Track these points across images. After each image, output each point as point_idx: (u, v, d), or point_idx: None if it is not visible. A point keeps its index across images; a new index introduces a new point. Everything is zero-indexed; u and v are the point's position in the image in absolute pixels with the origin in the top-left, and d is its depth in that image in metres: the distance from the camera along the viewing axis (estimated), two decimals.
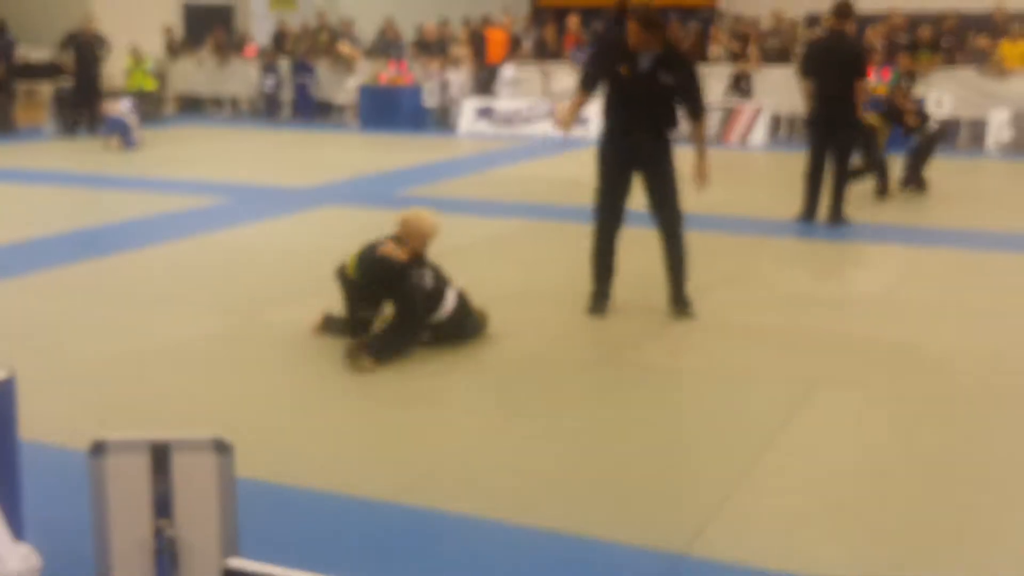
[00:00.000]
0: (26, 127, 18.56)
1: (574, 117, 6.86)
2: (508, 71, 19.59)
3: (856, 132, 10.12)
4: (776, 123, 17.94)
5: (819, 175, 9.99)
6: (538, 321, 6.76)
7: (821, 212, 10.07)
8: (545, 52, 20.07)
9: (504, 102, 19.23)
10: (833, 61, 9.75)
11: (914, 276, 8.24)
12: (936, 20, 18.08)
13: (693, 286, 7.04)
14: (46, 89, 20.76)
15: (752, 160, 14.32)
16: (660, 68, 6.52)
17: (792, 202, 11.34)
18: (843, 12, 9.96)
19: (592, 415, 5.17)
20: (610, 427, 5.00)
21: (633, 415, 5.20)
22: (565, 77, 19.57)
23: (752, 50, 18.23)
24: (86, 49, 17.39)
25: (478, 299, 6.26)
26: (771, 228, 10.02)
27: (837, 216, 9.99)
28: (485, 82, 19.76)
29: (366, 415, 5.17)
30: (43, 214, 10.50)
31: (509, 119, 18.91)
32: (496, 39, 20.08)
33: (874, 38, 17.62)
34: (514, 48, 20.33)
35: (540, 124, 18.63)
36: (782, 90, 16.84)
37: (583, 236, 9.22)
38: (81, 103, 17.33)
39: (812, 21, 20.15)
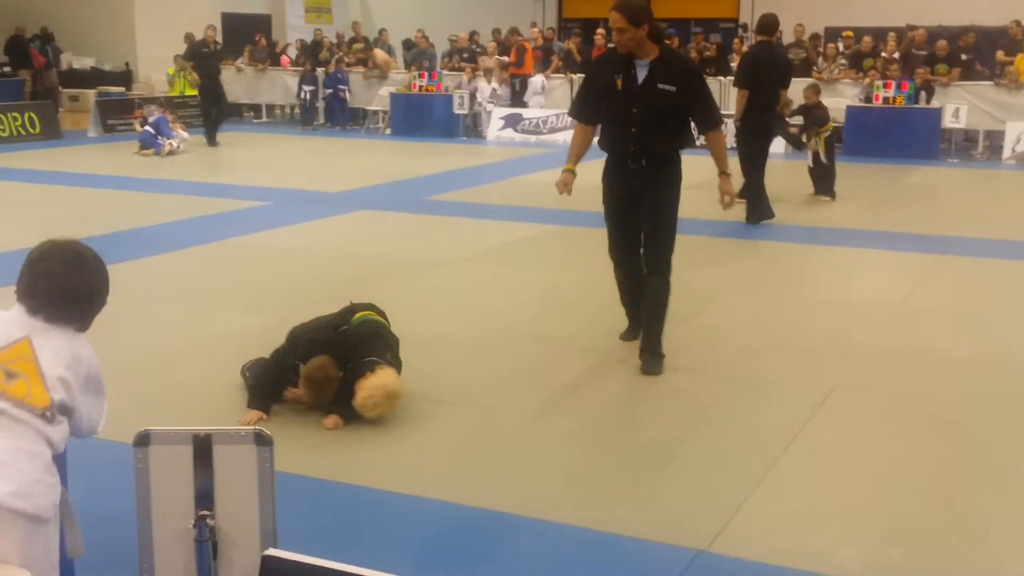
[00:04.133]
0: (71, 131, 19.13)
1: (579, 159, 5.98)
2: (538, 81, 20.03)
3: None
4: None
5: (762, 179, 10.71)
6: (566, 324, 6.88)
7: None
8: (572, 63, 20.50)
9: (532, 111, 19.68)
10: (769, 73, 10.52)
11: (930, 283, 8.30)
12: (954, 34, 18.36)
13: (708, 290, 7.00)
14: (90, 95, 21.43)
15: (771, 168, 14.56)
16: (658, 75, 5.66)
17: (810, 208, 11.74)
18: (770, 27, 10.83)
19: (617, 417, 5.28)
20: (634, 428, 5.12)
21: (656, 417, 5.28)
22: None
23: None
24: (209, 58, 17.70)
25: (506, 301, 6.22)
26: (785, 233, 10.25)
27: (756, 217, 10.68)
28: (516, 91, 20.23)
29: (397, 412, 5.15)
30: (88, 215, 10.79)
31: (536, 127, 19.35)
32: (528, 50, 20.63)
33: (893, 51, 17.98)
34: (546, 59, 20.79)
35: (566, 133, 19.10)
36: (800, 101, 17.14)
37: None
38: (209, 110, 17.57)
39: (832, 33, 20.49)
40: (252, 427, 2.85)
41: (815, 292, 8.03)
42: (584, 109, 5.98)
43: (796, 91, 17.56)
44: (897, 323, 7.06)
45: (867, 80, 17.51)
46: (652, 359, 5.92)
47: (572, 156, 6.00)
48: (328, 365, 5.06)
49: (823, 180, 12.39)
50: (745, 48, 17.22)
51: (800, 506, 4.24)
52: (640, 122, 5.71)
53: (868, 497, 4.35)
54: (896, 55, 17.79)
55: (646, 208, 5.87)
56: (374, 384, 4.93)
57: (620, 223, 6.01)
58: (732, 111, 13.33)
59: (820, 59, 18.78)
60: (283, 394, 5.23)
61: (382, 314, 5.58)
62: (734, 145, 11.08)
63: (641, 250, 6.00)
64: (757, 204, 10.57)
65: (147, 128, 16.43)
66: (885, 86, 16.80)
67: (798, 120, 12.95)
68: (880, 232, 10.34)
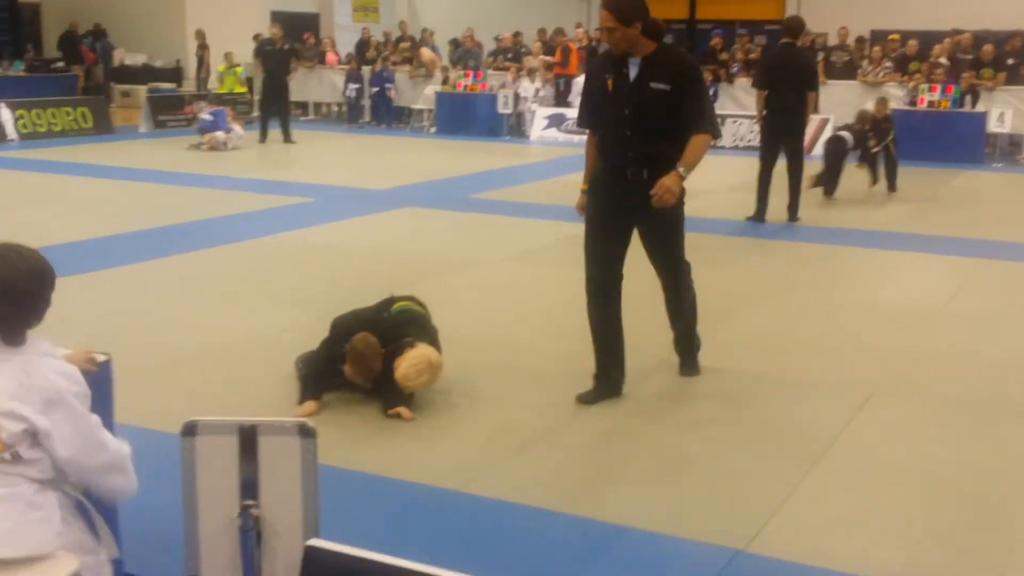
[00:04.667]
0: (122, 127, 19.40)
1: (593, 174, 5.49)
2: (582, 81, 20.03)
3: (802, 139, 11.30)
4: None
5: (768, 179, 10.91)
6: None
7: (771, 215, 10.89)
8: None
9: (576, 111, 19.66)
10: (786, 74, 10.69)
11: (973, 287, 8.24)
12: (1001, 39, 18.19)
13: (747, 291, 6.98)
14: (141, 91, 21.74)
15: (814, 170, 14.50)
16: (651, 73, 5.11)
17: (853, 209, 11.69)
18: (794, 29, 10.99)
19: (654, 416, 5.27)
20: (672, 428, 5.11)
21: (694, 416, 5.29)
22: None
23: (821, 65, 18.54)
24: (272, 56, 17.83)
25: (546, 300, 6.19)
26: (827, 235, 10.22)
27: (794, 215, 10.93)
28: (560, 92, 20.26)
29: (435, 408, 5.25)
30: (137, 210, 10.96)
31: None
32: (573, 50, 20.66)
33: (939, 54, 17.85)
34: (591, 59, 20.81)
35: None
36: (847, 104, 17.10)
37: None
38: (269, 109, 17.64)
39: (878, 36, 20.35)
40: (296, 419, 2.91)
41: (856, 294, 8.00)
42: (585, 114, 5.50)
43: (836, 94, 17.52)
44: (939, 327, 7.05)
45: (912, 83, 17.39)
46: (689, 362, 5.86)
47: (587, 174, 5.55)
48: (372, 338, 5.21)
49: (889, 175, 12.87)
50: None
51: (839, 508, 4.25)
52: (633, 125, 5.17)
53: (907, 500, 4.36)
54: (943, 59, 17.65)
55: (647, 228, 5.38)
56: (417, 354, 5.08)
57: (604, 243, 5.40)
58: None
59: (865, 62, 18.65)
60: (336, 378, 5.34)
61: (422, 305, 5.68)
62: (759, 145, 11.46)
63: (622, 283, 5.50)
64: (759, 200, 10.91)
65: (205, 116, 16.68)
66: (930, 90, 16.68)
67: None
68: (923, 235, 10.30)
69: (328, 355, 5.37)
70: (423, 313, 5.61)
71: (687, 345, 5.86)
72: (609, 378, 5.49)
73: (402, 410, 5.11)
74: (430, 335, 5.40)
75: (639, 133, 5.17)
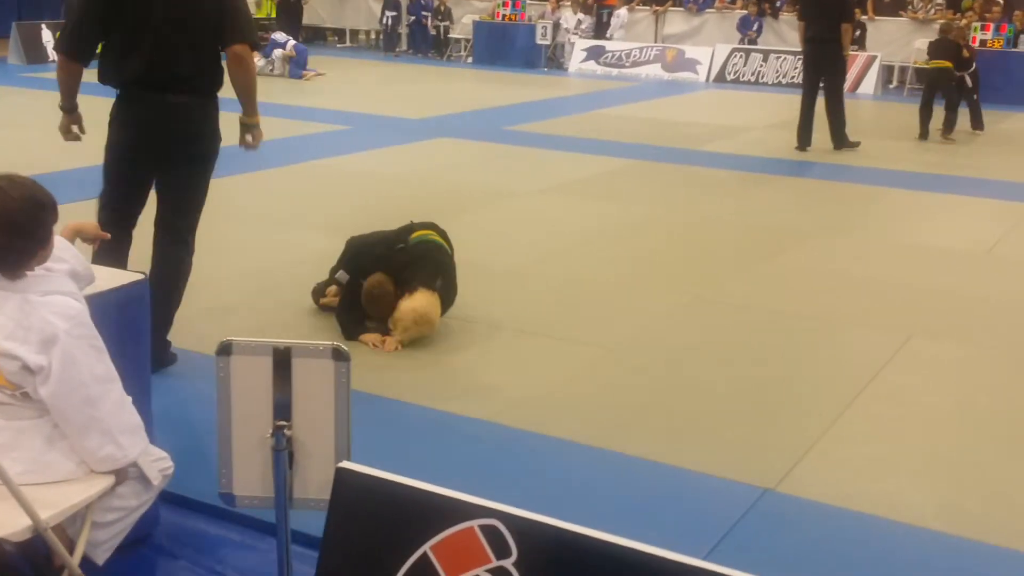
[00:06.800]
0: None
1: None
2: (624, 13, 19.75)
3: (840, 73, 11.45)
4: (888, 74, 17.83)
5: (808, 113, 10.98)
6: (641, 258, 6.92)
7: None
8: None
9: (615, 44, 19.44)
10: (818, 4, 10.90)
11: (1015, 231, 8.09)
12: None
13: (790, 230, 6.82)
14: None
15: (860, 108, 14.25)
16: None
17: (898, 151, 11.50)
18: None
19: (688, 354, 5.21)
20: (706, 366, 5.06)
21: (729, 356, 5.21)
22: (679, 21, 19.76)
23: (869, 2, 18.15)
24: None
25: (581, 234, 6.09)
26: (872, 176, 10.04)
27: (839, 143, 11.10)
28: (602, 22, 20.00)
29: (471, 339, 5.25)
30: None
31: (619, 60, 19.12)
32: None
33: None
34: None
35: (649, 67, 18.88)
36: (896, 41, 16.78)
37: (687, 176, 9.54)
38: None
39: None
40: (330, 342, 2.91)
41: (899, 236, 7.90)
42: None
43: (885, 31, 17.13)
44: (982, 271, 6.95)
45: (964, 21, 16.96)
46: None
47: None
48: (385, 281, 5.15)
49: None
50: None
51: (872, 450, 4.19)
52: None
53: (943, 445, 4.30)
54: None
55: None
56: (406, 307, 4.97)
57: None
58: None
59: None
60: (370, 322, 5.29)
61: (442, 234, 5.56)
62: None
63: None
64: (799, 132, 10.98)
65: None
66: (983, 28, 16.28)
67: None
68: (969, 178, 10.14)
69: (351, 300, 5.28)
70: (440, 244, 5.48)
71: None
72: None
73: (387, 342, 5.04)
74: (444, 273, 5.27)
75: None
